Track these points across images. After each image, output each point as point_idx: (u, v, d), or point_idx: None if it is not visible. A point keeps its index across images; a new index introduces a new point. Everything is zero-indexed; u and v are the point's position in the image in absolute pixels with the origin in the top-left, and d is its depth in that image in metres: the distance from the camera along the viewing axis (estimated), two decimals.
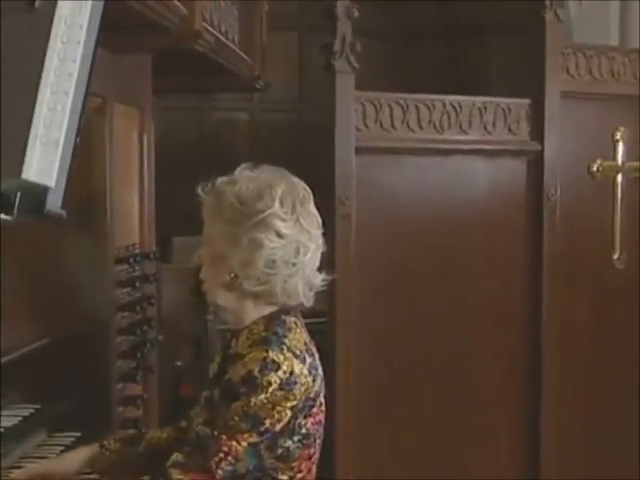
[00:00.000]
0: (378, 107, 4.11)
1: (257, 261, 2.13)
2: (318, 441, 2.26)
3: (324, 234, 2.27)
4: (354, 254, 4.00)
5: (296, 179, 2.26)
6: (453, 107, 4.25)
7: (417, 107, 4.19)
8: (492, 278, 4.34)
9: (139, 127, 3.29)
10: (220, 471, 2.08)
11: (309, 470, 2.25)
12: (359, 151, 4.06)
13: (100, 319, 2.95)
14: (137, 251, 3.21)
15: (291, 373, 2.10)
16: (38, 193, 1.65)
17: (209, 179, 2.29)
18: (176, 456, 2.16)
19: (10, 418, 2.73)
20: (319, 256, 2.24)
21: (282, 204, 2.15)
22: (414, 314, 4.18)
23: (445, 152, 4.26)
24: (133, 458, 2.42)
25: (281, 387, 2.08)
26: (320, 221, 2.26)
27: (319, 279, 2.24)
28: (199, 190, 2.23)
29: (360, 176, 4.06)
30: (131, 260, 3.09)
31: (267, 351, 2.10)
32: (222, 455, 2.08)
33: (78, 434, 2.87)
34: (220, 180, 2.23)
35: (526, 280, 4.40)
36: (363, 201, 4.06)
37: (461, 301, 4.29)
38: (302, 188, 2.24)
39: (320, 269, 2.25)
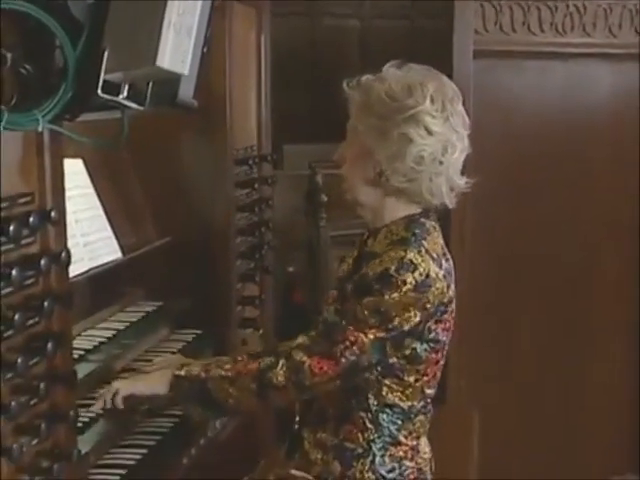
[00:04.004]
0: (498, 9, 3.98)
1: (406, 156, 2.13)
2: (445, 347, 2.26)
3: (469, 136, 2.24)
4: (470, 160, 3.92)
5: (446, 78, 2.23)
6: (576, 8, 4.07)
7: (539, 9, 4.04)
8: (611, 188, 4.20)
9: (257, 28, 3.24)
10: (343, 359, 2.11)
11: (434, 375, 2.26)
12: (477, 55, 3.95)
13: (220, 219, 2.97)
14: (255, 153, 3.21)
15: (427, 276, 2.10)
16: (171, 81, 1.64)
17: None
18: (302, 339, 2.19)
19: (134, 314, 2.81)
20: (463, 158, 2.24)
21: (433, 101, 2.14)
22: (528, 219, 4.11)
23: (567, 56, 4.11)
24: None
25: (416, 288, 2.09)
26: (468, 122, 2.24)
27: (462, 181, 2.25)
28: (344, 85, 2.23)
29: (478, 81, 3.95)
30: (250, 162, 3.09)
31: (405, 251, 2.11)
32: (348, 344, 2.10)
33: (199, 331, 2.94)
34: (366, 77, 2.21)
35: None
36: (480, 106, 3.96)
37: (578, 209, 4.18)
38: (451, 88, 2.22)
39: (463, 172, 2.25)
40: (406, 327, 2.11)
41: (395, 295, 2.08)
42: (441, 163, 2.16)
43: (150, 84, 1.67)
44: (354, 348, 2.10)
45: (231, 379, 2.17)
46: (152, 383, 2.25)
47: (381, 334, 2.10)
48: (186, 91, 1.66)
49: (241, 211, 3.08)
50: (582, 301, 4.24)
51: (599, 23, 4.09)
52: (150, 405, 2.36)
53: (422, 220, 2.22)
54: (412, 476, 2.28)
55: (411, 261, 2.09)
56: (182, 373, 2.22)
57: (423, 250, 2.13)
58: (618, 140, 4.16)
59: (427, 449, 2.35)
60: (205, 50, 1.72)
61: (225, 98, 2.90)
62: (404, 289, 2.08)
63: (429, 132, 2.13)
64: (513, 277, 4.10)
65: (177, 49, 1.56)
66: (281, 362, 2.14)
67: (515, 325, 4.14)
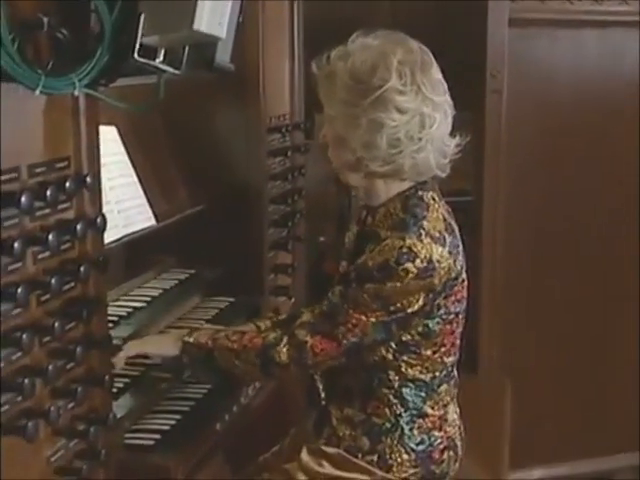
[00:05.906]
0: None
1: (379, 142, 2.04)
2: (461, 316, 2.24)
3: (452, 97, 2.12)
4: (504, 130, 3.89)
5: (414, 43, 2.10)
6: None
7: None
8: None
9: None
10: (345, 341, 2.10)
11: (452, 343, 2.24)
12: (512, 23, 3.88)
13: (253, 187, 2.96)
14: (288, 121, 3.20)
15: (429, 261, 2.04)
16: (207, 45, 1.63)
17: None
18: (306, 316, 2.19)
19: (167, 281, 2.83)
20: (450, 122, 2.12)
21: (400, 75, 2.02)
22: (563, 191, 4.05)
23: (603, 24, 4.02)
24: None
25: (418, 276, 2.04)
26: (445, 85, 2.11)
27: (452, 144, 2.14)
28: (313, 65, 2.14)
29: (512, 49, 3.89)
30: (282, 130, 3.08)
31: (404, 239, 2.04)
32: (350, 327, 2.08)
33: (231, 299, 2.95)
34: (334, 53, 2.10)
35: None
36: (515, 76, 3.91)
37: (612, 181, 4.13)
38: (421, 51, 2.09)
39: (453, 133, 2.14)
40: (409, 310, 2.08)
41: (397, 284, 2.03)
42: (420, 139, 2.05)
43: (186, 48, 1.66)
44: (356, 330, 2.08)
45: (236, 352, 2.18)
46: (162, 344, 2.28)
47: (383, 317, 2.07)
48: (223, 55, 1.65)
49: (274, 179, 3.07)
50: (615, 269, 4.19)
51: None
52: (161, 370, 2.36)
53: (420, 193, 2.14)
54: (442, 446, 2.28)
55: (410, 249, 2.02)
56: (191, 340, 2.24)
57: (423, 233, 2.06)
58: None
59: (455, 416, 2.34)
60: (240, 20, 1.70)
61: (258, 67, 2.89)
62: (406, 279, 2.02)
63: (400, 111, 2.01)
64: (546, 247, 4.06)
65: (214, 12, 1.55)
66: (284, 340, 2.14)
67: (548, 298, 4.10)
